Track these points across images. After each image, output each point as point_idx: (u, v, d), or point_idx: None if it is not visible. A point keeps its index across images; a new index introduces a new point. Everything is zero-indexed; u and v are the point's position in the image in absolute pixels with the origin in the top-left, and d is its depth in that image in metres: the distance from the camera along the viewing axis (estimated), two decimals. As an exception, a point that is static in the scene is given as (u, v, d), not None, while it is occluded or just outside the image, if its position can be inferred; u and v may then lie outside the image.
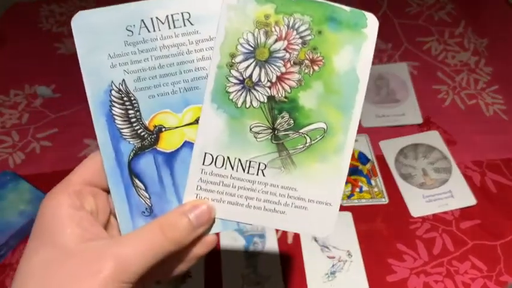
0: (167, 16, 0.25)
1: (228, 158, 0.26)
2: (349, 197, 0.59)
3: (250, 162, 0.27)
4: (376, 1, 0.87)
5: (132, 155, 0.26)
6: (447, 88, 0.73)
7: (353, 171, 0.61)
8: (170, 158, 0.26)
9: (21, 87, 0.74)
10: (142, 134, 0.26)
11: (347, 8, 0.27)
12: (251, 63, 0.26)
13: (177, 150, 0.26)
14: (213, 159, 0.26)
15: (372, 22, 0.27)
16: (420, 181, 0.61)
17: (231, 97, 0.26)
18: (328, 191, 0.27)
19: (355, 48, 0.26)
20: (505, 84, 0.73)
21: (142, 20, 0.25)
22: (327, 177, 0.27)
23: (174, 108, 0.26)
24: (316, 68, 0.26)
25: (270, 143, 0.27)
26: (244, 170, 0.27)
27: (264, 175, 0.27)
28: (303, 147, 0.27)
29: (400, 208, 0.58)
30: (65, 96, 0.73)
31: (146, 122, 0.26)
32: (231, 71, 0.26)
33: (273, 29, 0.26)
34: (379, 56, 0.77)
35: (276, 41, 0.26)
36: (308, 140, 0.27)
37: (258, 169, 0.27)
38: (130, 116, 0.26)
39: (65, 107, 0.72)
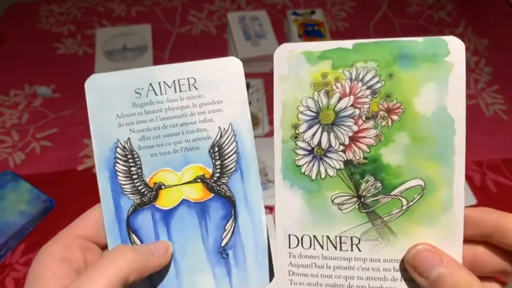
0: (174, 81, 0.27)
1: (315, 236, 0.24)
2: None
3: (340, 237, 0.24)
4: (376, 1, 0.87)
5: (131, 210, 0.27)
6: (447, 88, 0.73)
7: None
8: (167, 215, 0.27)
9: (21, 87, 0.74)
10: (143, 190, 0.27)
11: (419, 39, 0.23)
12: (317, 130, 0.24)
13: (175, 208, 0.27)
14: (298, 240, 0.24)
15: (455, 46, 0.22)
16: (420, 181, 0.61)
17: (303, 170, 0.24)
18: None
19: (439, 83, 0.22)
20: (505, 84, 0.73)
21: (150, 84, 0.27)
22: (437, 241, 0.23)
23: (175, 166, 0.27)
24: (395, 117, 0.23)
25: (359, 213, 0.24)
26: (335, 248, 0.24)
27: (359, 250, 0.24)
28: (400, 211, 0.23)
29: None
30: (65, 96, 0.73)
31: (147, 179, 0.27)
32: (297, 142, 0.24)
33: (334, 87, 0.23)
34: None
35: (340, 99, 0.23)
36: (404, 202, 0.23)
37: (352, 244, 0.24)
38: (132, 172, 0.27)
39: (64, 107, 0.72)
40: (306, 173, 0.24)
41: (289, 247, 0.25)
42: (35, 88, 0.74)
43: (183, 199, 0.27)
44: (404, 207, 0.23)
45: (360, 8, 0.86)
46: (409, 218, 0.23)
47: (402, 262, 0.23)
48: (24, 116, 0.71)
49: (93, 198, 0.69)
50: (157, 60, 0.77)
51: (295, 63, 0.24)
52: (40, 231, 0.58)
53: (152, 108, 0.27)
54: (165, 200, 0.27)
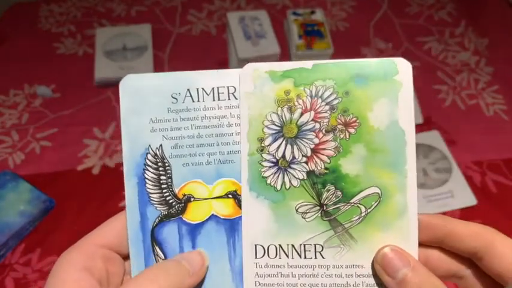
0: (213, 88, 0.25)
1: (280, 246, 0.25)
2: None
3: (304, 245, 0.25)
4: (376, 1, 0.87)
5: (157, 221, 0.25)
6: (447, 88, 0.73)
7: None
8: (194, 230, 0.25)
9: (21, 87, 0.74)
10: (171, 201, 0.25)
11: (372, 60, 0.25)
12: (281, 143, 0.25)
13: (203, 223, 0.25)
14: (264, 250, 0.25)
15: (403, 67, 0.24)
16: (420, 181, 0.61)
17: (268, 182, 0.25)
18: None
19: (391, 99, 0.24)
20: (506, 84, 0.73)
21: (188, 89, 0.25)
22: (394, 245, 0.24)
23: (206, 179, 0.25)
24: (352, 130, 0.25)
25: (322, 221, 0.25)
26: (300, 256, 0.25)
27: (323, 257, 0.25)
28: (359, 218, 0.24)
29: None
30: (65, 96, 0.73)
31: (176, 190, 0.25)
32: (263, 155, 0.25)
33: (296, 103, 0.25)
34: (379, 56, 0.77)
35: (301, 114, 0.25)
36: (363, 209, 0.24)
37: (315, 252, 0.25)
38: (161, 181, 0.25)
39: (64, 107, 0.72)
40: (272, 184, 0.25)
41: (256, 257, 0.25)
42: (34, 88, 0.74)
43: (212, 214, 0.25)
44: (363, 214, 0.24)
45: (360, 8, 0.86)
46: (367, 224, 0.24)
47: (363, 268, 0.24)
48: (24, 116, 0.71)
49: (93, 199, 0.69)
50: (157, 60, 0.77)
51: (259, 81, 0.25)
52: (40, 231, 0.58)
53: (188, 116, 0.25)
54: (193, 214, 0.26)
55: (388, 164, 0.24)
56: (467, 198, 0.59)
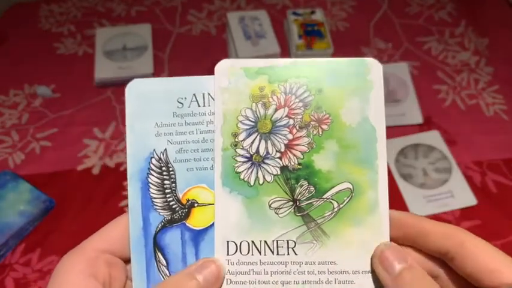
0: None
1: (253, 242, 0.25)
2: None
3: (277, 242, 0.25)
4: (376, 1, 0.87)
5: (159, 227, 0.25)
6: (447, 88, 0.73)
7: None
8: (198, 236, 0.25)
9: (21, 87, 0.74)
10: (174, 206, 0.25)
11: (344, 60, 0.25)
12: (255, 138, 0.25)
13: (206, 229, 0.25)
14: (237, 247, 0.25)
15: (374, 67, 0.25)
16: (420, 181, 0.61)
17: (242, 177, 0.25)
18: (371, 257, 0.24)
19: (362, 98, 0.25)
20: (506, 84, 0.73)
21: (194, 94, 0.25)
22: (366, 241, 0.24)
23: (211, 184, 0.25)
24: (324, 127, 0.25)
25: (294, 216, 0.25)
26: (273, 252, 0.25)
27: (295, 253, 0.25)
28: (331, 213, 0.25)
29: (400, 208, 0.58)
30: (65, 96, 0.73)
31: (180, 195, 0.25)
32: (237, 150, 0.25)
33: (271, 99, 0.25)
34: (380, 56, 0.77)
35: (276, 110, 0.25)
36: (335, 205, 0.25)
37: (288, 248, 0.25)
38: (165, 186, 0.25)
39: (64, 107, 0.72)
40: (245, 179, 0.25)
41: (228, 254, 0.25)
42: (34, 88, 0.74)
43: None
44: (335, 210, 0.25)
45: (360, 8, 0.86)
46: (340, 219, 0.25)
47: (336, 264, 0.24)
48: (24, 116, 0.71)
49: (93, 198, 0.69)
50: (157, 60, 0.77)
51: (235, 77, 0.25)
52: (40, 231, 0.58)
53: (193, 120, 0.25)
54: (197, 219, 0.25)
55: (359, 160, 0.25)
56: (467, 198, 0.59)
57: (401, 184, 0.61)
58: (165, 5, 0.87)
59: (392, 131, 0.67)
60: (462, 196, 0.59)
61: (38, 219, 0.59)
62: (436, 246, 0.23)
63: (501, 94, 0.72)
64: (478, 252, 0.22)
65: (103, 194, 0.62)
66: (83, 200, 0.62)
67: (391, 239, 0.24)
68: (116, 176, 0.64)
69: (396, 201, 0.59)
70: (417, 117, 0.69)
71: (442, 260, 0.24)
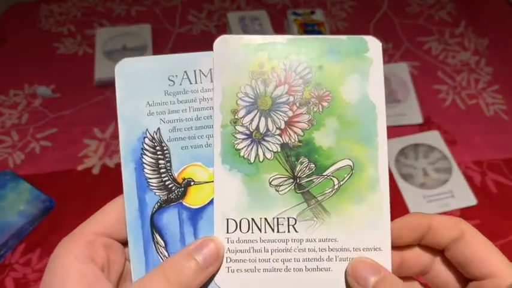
0: (210, 69, 0.25)
1: (253, 219, 0.24)
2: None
3: (277, 219, 0.24)
4: (376, 1, 0.87)
5: (156, 207, 0.25)
6: (447, 88, 0.73)
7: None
8: (195, 214, 0.25)
9: (21, 87, 0.74)
10: (170, 186, 0.25)
11: (343, 37, 0.25)
12: (255, 115, 0.25)
13: (204, 207, 0.25)
14: (236, 224, 0.24)
15: (373, 45, 0.25)
16: (420, 181, 0.61)
17: (242, 154, 0.25)
18: (373, 234, 0.24)
19: (362, 75, 0.25)
20: (506, 84, 0.73)
21: (185, 72, 0.25)
22: (367, 219, 0.24)
23: (206, 162, 0.25)
24: (325, 104, 0.25)
25: (295, 194, 0.24)
26: (273, 230, 0.24)
27: (296, 231, 0.24)
28: (332, 190, 0.24)
29: (400, 208, 0.58)
30: (65, 96, 0.73)
31: (175, 174, 0.25)
32: (236, 127, 0.25)
33: (271, 76, 0.25)
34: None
35: (276, 86, 0.25)
36: (336, 182, 0.24)
37: (288, 225, 0.24)
38: (160, 166, 0.25)
39: (64, 107, 0.72)
40: (245, 157, 0.25)
41: (227, 232, 0.24)
42: (34, 88, 0.74)
43: (213, 198, 0.25)
44: (336, 187, 0.24)
45: (360, 8, 0.86)
46: (340, 196, 0.24)
47: (336, 241, 0.24)
48: (24, 116, 0.71)
49: (93, 198, 0.69)
50: (157, 60, 0.77)
51: (234, 53, 0.25)
52: (40, 231, 0.58)
53: (186, 98, 0.25)
54: (194, 198, 0.25)
55: (359, 136, 0.25)
56: (467, 198, 0.59)
57: (402, 184, 0.61)
58: (165, 5, 0.87)
59: (393, 131, 0.67)
60: (462, 196, 0.59)
61: (37, 219, 0.59)
62: (443, 238, 0.23)
63: (501, 94, 0.72)
64: (475, 243, 0.23)
65: (103, 194, 0.62)
66: (82, 200, 0.62)
67: (401, 244, 0.24)
68: (116, 176, 0.63)
69: (396, 201, 0.59)
70: (417, 117, 0.69)
71: (433, 252, 0.25)
